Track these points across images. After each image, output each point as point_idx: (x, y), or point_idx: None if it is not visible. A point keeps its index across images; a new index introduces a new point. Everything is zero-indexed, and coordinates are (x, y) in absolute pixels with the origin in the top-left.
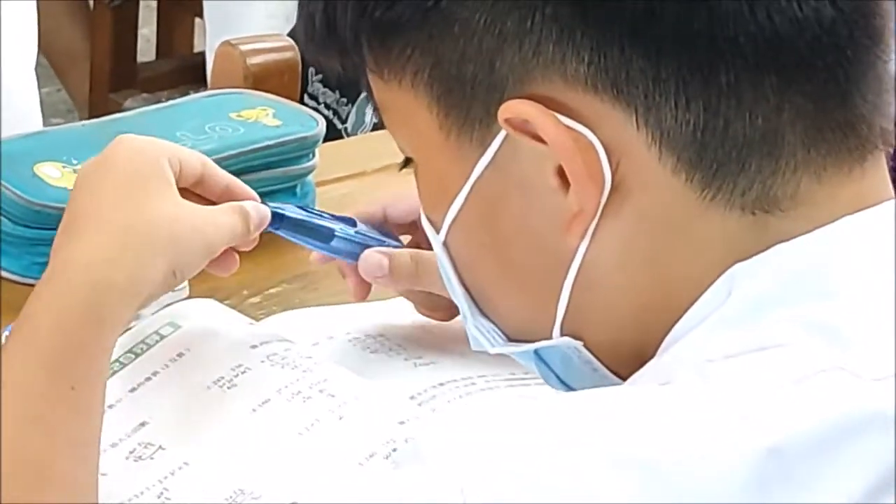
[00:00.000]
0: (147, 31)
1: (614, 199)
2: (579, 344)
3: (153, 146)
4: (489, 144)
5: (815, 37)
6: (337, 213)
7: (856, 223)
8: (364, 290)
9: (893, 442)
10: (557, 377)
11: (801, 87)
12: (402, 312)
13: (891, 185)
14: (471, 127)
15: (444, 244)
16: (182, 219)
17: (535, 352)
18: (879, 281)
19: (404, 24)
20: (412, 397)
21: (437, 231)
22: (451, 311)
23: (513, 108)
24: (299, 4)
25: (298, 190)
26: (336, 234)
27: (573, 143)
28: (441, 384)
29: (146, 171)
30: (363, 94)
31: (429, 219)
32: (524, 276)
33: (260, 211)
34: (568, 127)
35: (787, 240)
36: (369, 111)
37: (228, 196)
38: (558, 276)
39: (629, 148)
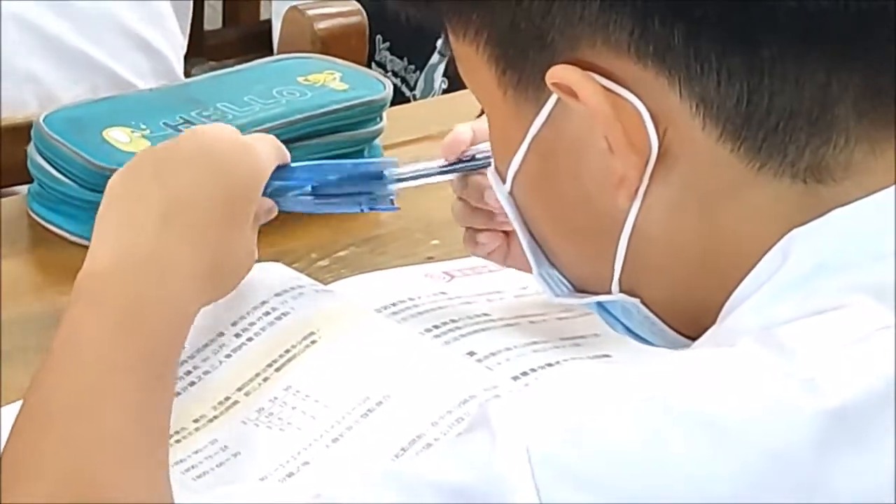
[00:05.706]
0: (213, 1)
1: (662, 165)
2: (637, 301)
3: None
4: (544, 104)
5: (861, 11)
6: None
7: None
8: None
9: None
10: (623, 325)
11: (850, 61)
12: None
13: None
14: (525, 87)
15: (511, 195)
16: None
17: (599, 303)
18: None
19: None
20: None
21: (503, 181)
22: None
23: (558, 73)
24: None
25: (366, 153)
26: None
27: (612, 109)
28: (508, 349)
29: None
30: (431, 61)
31: (497, 168)
32: (581, 233)
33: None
34: (612, 92)
35: (843, 205)
36: (438, 78)
37: None
38: (612, 236)
39: (673, 116)
